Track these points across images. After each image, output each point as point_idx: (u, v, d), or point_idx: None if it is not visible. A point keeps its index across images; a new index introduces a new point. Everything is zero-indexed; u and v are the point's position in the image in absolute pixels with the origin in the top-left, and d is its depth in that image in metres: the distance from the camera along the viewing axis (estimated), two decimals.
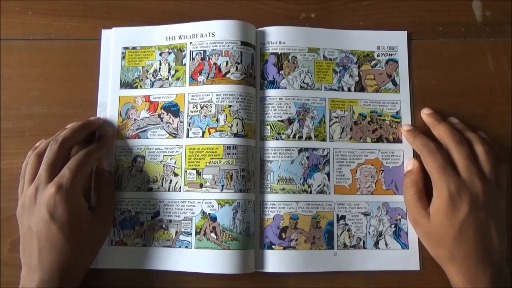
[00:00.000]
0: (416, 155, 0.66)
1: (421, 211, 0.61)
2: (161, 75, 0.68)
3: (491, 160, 0.61)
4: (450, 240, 0.58)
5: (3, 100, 0.69)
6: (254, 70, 0.67)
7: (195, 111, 0.65)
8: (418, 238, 0.64)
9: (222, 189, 0.63)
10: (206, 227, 0.62)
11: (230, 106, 0.64)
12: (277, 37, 0.69)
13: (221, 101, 0.65)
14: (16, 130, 0.68)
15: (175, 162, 0.65)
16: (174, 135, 0.66)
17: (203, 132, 0.64)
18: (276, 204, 0.64)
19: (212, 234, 0.62)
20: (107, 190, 0.64)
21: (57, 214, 0.56)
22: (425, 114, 0.66)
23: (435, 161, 0.60)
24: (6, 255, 0.65)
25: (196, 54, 0.67)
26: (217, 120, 0.64)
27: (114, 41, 0.70)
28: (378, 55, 0.70)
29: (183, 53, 0.68)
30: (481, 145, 0.61)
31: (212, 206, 0.63)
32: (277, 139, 0.66)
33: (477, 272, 0.57)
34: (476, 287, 0.57)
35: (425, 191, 0.63)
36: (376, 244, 0.65)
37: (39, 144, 0.63)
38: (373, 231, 0.65)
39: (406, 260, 0.64)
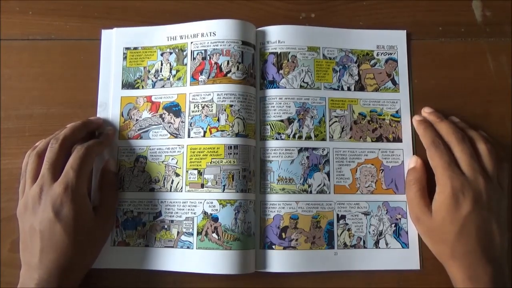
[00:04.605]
0: (416, 154, 0.66)
1: (424, 208, 0.61)
2: (162, 75, 0.68)
3: (494, 159, 0.61)
4: (452, 237, 0.58)
5: (3, 100, 0.68)
6: (254, 70, 0.67)
7: (196, 111, 0.65)
8: (419, 238, 0.65)
9: (223, 189, 0.63)
10: (208, 228, 0.62)
11: (231, 105, 0.64)
12: (276, 36, 0.69)
13: (223, 101, 0.65)
14: (16, 130, 0.68)
15: (176, 162, 0.65)
16: (175, 135, 0.66)
17: (204, 132, 0.64)
18: (276, 204, 0.64)
19: (214, 235, 0.62)
20: (111, 191, 0.65)
21: (62, 214, 0.56)
22: (426, 113, 0.67)
23: (441, 157, 0.60)
24: (6, 255, 0.65)
25: (197, 54, 0.67)
26: (218, 120, 0.64)
27: (115, 41, 0.70)
28: (377, 54, 0.70)
29: (184, 53, 0.68)
30: (484, 143, 0.62)
31: (214, 206, 0.62)
32: (277, 139, 0.66)
33: (477, 269, 0.57)
34: (477, 285, 0.57)
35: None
36: (376, 244, 0.65)
37: (38, 144, 0.63)
38: (373, 230, 0.65)
39: (406, 259, 0.65)
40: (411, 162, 0.66)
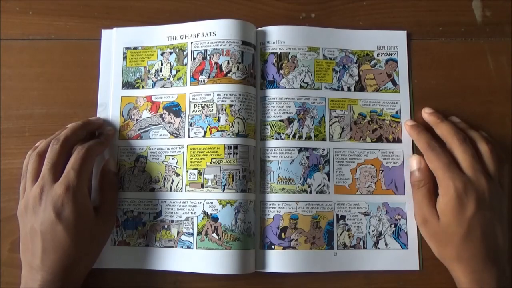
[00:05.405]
0: (416, 153, 0.66)
1: (432, 209, 0.61)
2: (162, 75, 0.68)
3: (495, 159, 0.61)
4: (458, 240, 0.58)
5: (3, 100, 0.68)
6: (254, 70, 0.67)
7: (196, 111, 0.65)
8: (418, 238, 0.65)
9: (223, 189, 0.63)
10: (208, 228, 0.62)
11: (231, 105, 0.64)
12: (276, 36, 0.69)
13: (223, 101, 0.64)
14: (16, 130, 0.68)
15: (176, 162, 0.65)
16: (175, 135, 0.66)
17: (205, 132, 0.64)
18: (276, 204, 0.64)
19: (214, 235, 0.62)
20: (111, 191, 0.65)
21: (63, 215, 0.56)
22: (426, 113, 0.66)
23: (438, 159, 0.60)
24: (6, 255, 0.65)
25: (197, 54, 0.67)
26: (218, 120, 0.64)
27: (115, 41, 0.70)
28: (377, 55, 0.70)
29: (185, 53, 0.68)
30: (485, 143, 0.62)
31: (214, 206, 0.62)
32: (277, 139, 0.66)
33: (483, 272, 0.57)
34: (482, 286, 0.57)
35: None
36: (376, 244, 0.65)
37: (39, 144, 0.63)
38: (372, 231, 0.65)
39: (406, 260, 0.65)
40: (414, 163, 0.65)
